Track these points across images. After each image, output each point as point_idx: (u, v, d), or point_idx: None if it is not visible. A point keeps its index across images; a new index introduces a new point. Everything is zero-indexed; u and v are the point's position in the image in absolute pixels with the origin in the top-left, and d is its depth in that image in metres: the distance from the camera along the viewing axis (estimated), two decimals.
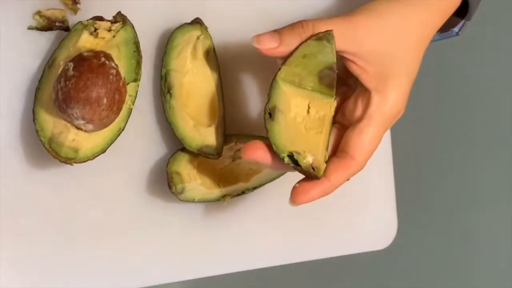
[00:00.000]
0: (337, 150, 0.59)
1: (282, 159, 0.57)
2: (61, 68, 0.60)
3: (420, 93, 1.65)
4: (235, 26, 0.69)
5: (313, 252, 0.74)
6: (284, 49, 0.57)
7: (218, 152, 0.65)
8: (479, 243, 1.71)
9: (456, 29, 0.65)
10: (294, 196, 0.57)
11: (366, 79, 0.57)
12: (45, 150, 0.60)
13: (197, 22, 0.66)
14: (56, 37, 0.62)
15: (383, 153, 0.77)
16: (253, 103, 0.70)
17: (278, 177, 0.69)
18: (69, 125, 0.60)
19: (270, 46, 0.56)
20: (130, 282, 0.66)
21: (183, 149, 0.66)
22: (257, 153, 0.57)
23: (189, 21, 0.66)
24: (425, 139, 1.67)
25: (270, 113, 0.58)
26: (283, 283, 1.45)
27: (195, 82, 0.66)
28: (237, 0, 0.69)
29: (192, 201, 0.66)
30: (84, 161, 0.61)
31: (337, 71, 0.58)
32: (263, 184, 0.69)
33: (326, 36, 0.57)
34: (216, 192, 0.67)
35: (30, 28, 0.62)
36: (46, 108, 0.60)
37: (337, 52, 0.57)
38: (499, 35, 1.70)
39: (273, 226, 0.72)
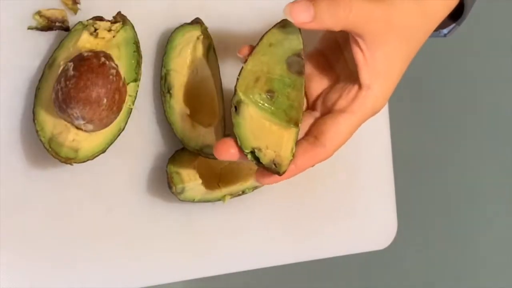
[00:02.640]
0: (308, 133, 0.57)
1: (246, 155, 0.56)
2: (61, 68, 0.60)
3: (420, 93, 1.65)
4: (235, 26, 0.69)
5: (313, 252, 0.74)
6: (316, 26, 0.53)
7: None
8: (479, 243, 1.71)
9: (445, 30, 0.65)
10: (259, 177, 0.57)
11: (364, 72, 0.56)
12: (45, 150, 0.60)
13: (197, 22, 0.66)
14: (56, 37, 0.62)
15: (383, 153, 0.77)
16: None
17: None
18: (69, 125, 0.60)
19: (304, 20, 0.53)
20: (130, 282, 0.66)
21: (183, 149, 0.66)
22: (230, 152, 0.56)
23: (189, 21, 0.66)
24: (425, 139, 1.67)
25: (236, 106, 0.55)
26: (283, 283, 1.45)
27: (195, 82, 0.66)
28: (237, 0, 0.69)
29: (192, 201, 0.66)
30: (84, 161, 0.61)
31: (303, 58, 0.56)
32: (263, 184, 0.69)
33: (290, 23, 0.55)
34: (216, 192, 0.67)
35: (30, 28, 0.62)
36: (46, 108, 0.60)
37: (352, 35, 0.55)
38: (493, 36, 1.70)
39: (273, 226, 0.72)
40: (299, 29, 0.56)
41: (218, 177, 0.67)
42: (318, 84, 0.60)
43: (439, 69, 1.65)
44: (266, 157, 0.55)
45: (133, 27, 0.63)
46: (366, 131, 0.76)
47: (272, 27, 0.56)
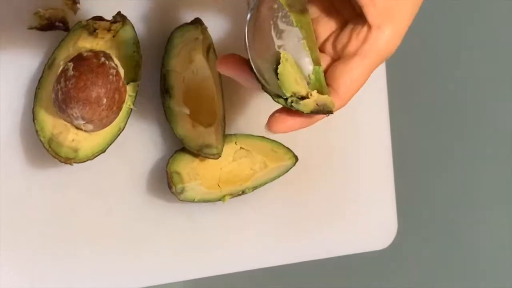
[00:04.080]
0: None
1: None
2: (61, 68, 0.60)
3: (421, 93, 1.65)
4: (235, 26, 0.69)
5: (313, 252, 0.74)
6: None
7: (218, 152, 0.65)
8: (479, 243, 1.71)
9: None
10: (271, 124, 0.54)
11: (372, 13, 0.53)
12: (45, 150, 0.60)
13: (197, 22, 0.66)
14: (56, 37, 0.62)
15: (383, 153, 0.77)
16: (253, 103, 0.70)
17: (278, 177, 0.69)
18: (69, 125, 0.60)
19: None
20: (130, 282, 0.66)
21: (183, 149, 0.66)
22: (231, 64, 0.54)
23: (189, 21, 0.66)
24: (425, 139, 1.67)
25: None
26: (283, 283, 1.45)
27: (195, 82, 0.66)
28: (237, 0, 0.69)
29: (192, 201, 0.66)
30: (84, 161, 0.61)
31: None
32: (263, 184, 0.69)
33: None
34: (216, 192, 0.67)
35: (30, 28, 0.62)
36: (46, 108, 0.60)
37: None
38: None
39: (273, 226, 0.72)
40: None
41: (218, 177, 0.67)
42: (325, 27, 0.57)
43: (440, 69, 1.65)
44: (308, 104, 0.52)
45: (133, 27, 0.63)
46: (366, 131, 0.76)
47: None
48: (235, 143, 0.67)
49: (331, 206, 0.74)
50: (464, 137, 1.71)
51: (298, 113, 0.53)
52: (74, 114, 0.58)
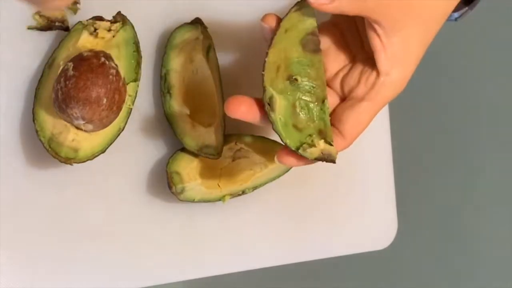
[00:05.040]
0: None
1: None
2: (61, 68, 0.60)
3: (421, 93, 1.65)
4: (235, 26, 0.69)
5: (313, 252, 0.74)
6: (333, 9, 0.53)
7: (218, 152, 0.65)
8: (479, 243, 1.71)
9: (456, 14, 0.64)
10: (281, 157, 0.56)
11: (382, 59, 0.55)
12: (45, 150, 0.60)
13: (197, 22, 0.66)
14: (56, 37, 0.62)
15: (383, 153, 0.77)
16: None
17: (278, 177, 0.69)
18: (69, 125, 0.60)
19: (322, 1, 0.52)
20: (130, 282, 0.66)
21: (183, 149, 0.66)
22: (240, 109, 0.55)
23: (189, 21, 0.66)
24: (425, 139, 1.67)
25: (269, 103, 0.55)
26: (283, 283, 1.45)
27: (195, 82, 0.66)
28: (237, 0, 0.69)
29: (192, 201, 0.66)
30: (84, 161, 0.61)
31: (318, 36, 0.56)
32: (263, 184, 0.69)
33: (305, 5, 0.55)
34: (216, 192, 0.67)
35: (30, 28, 0.62)
36: (46, 108, 0.60)
37: (367, 20, 0.54)
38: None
39: (273, 226, 0.72)
40: (314, 10, 0.55)
41: (218, 177, 0.67)
42: (335, 61, 0.59)
43: (440, 69, 1.65)
44: (313, 153, 0.55)
45: (133, 27, 0.63)
46: (366, 131, 0.76)
47: (288, 11, 0.56)
48: (235, 143, 0.67)
49: (331, 206, 0.74)
50: (464, 137, 1.71)
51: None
52: (74, 114, 0.58)
